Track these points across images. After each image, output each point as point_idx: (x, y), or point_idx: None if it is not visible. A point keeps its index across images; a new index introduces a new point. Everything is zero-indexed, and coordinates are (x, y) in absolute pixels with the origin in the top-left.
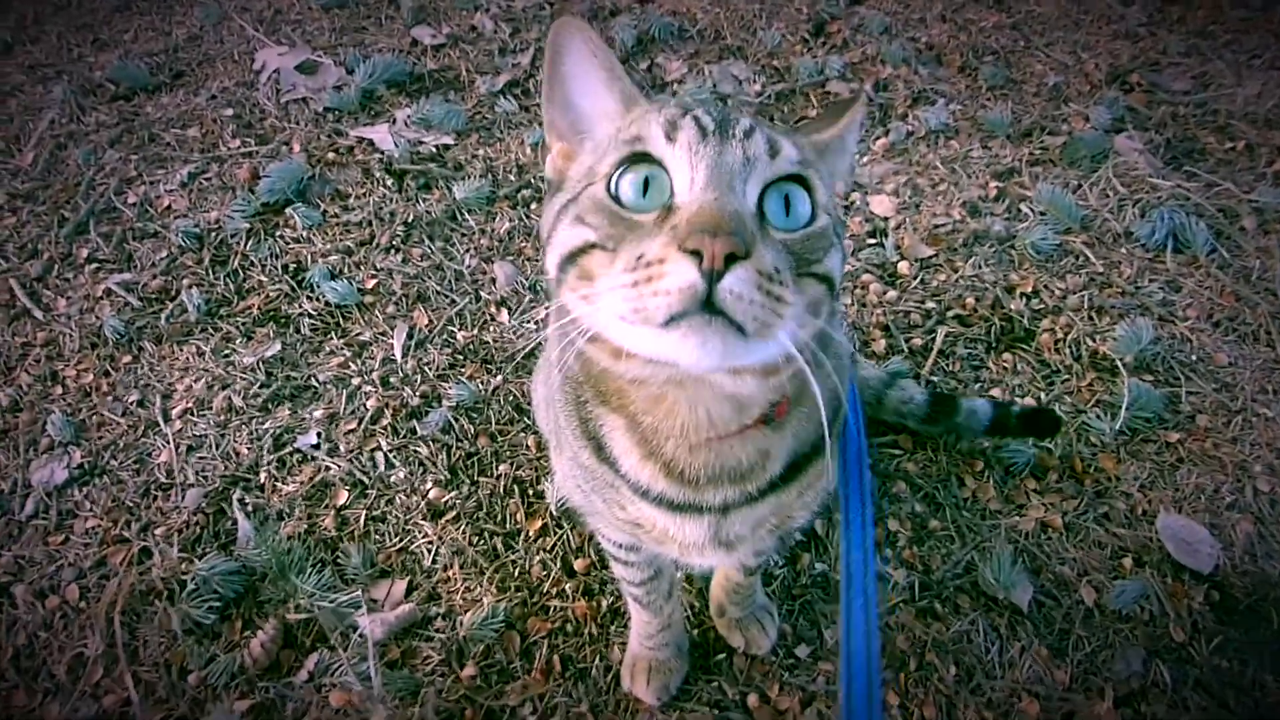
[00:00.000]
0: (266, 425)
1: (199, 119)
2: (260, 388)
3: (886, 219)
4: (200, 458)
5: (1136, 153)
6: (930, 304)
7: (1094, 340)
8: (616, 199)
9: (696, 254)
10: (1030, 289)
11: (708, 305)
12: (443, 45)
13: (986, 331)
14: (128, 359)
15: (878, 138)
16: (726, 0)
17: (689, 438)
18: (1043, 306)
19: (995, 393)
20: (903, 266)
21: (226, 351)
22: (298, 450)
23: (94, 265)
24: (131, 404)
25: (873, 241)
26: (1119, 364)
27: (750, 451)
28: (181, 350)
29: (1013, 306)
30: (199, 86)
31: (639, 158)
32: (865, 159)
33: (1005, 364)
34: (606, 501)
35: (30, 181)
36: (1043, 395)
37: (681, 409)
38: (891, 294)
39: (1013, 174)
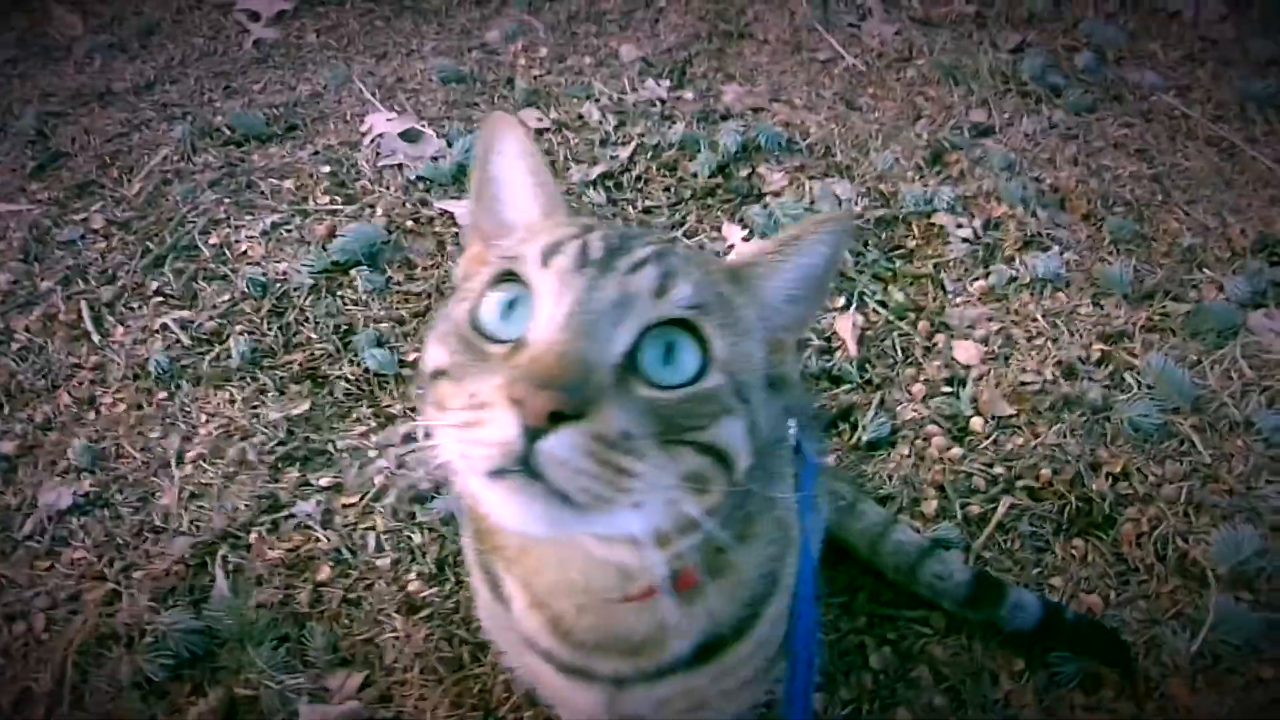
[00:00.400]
0: (272, 485)
1: (297, 172)
2: (277, 445)
3: (969, 368)
4: (199, 506)
5: (1274, 334)
6: (999, 469)
7: (1185, 541)
8: (476, 322)
9: (522, 404)
10: (1119, 470)
11: (528, 466)
12: (546, 130)
13: (1059, 510)
14: (163, 395)
15: (976, 279)
16: (845, 118)
17: (573, 596)
18: (1131, 492)
19: (1057, 581)
20: (975, 422)
21: (257, 403)
22: (293, 516)
23: (159, 299)
24: (153, 440)
25: (947, 390)
26: (1210, 574)
27: (645, 623)
28: (215, 395)
29: (1095, 487)
30: (306, 141)
31: (507, 277)
32: (959, 300)
33: (1075, 550)
34: (506, 643)
35: (130, 212)
36: (1113, 594)
37: (550, 568)
38: (956, 451)
39: (1123, 338)
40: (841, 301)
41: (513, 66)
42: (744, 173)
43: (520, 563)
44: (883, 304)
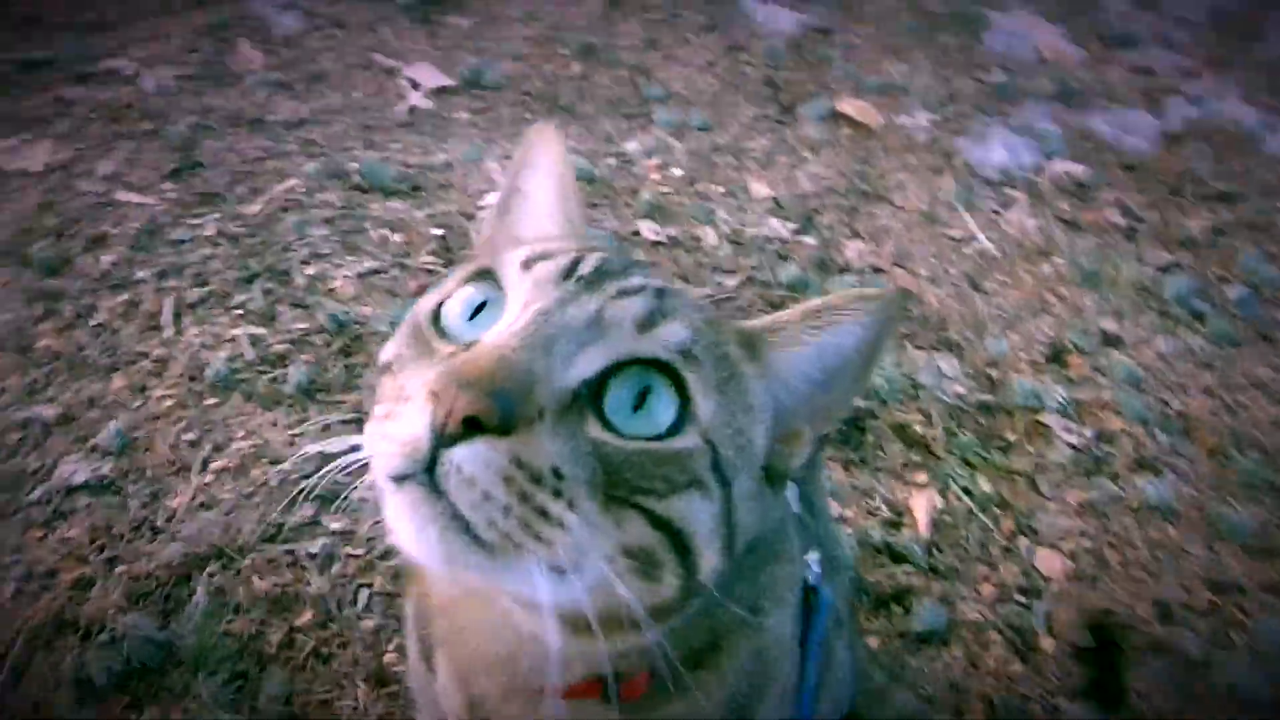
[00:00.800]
0: (283, 516)
1: (408, 228)
2: (302, 478)
3: (1049, 581)
4: (206, 517)
5: None
6: (1061, 701)
7: None
8: (437, 317)
9: (438, 400)
10: None
11: (432, 478)
12: (662, 243)
13: None
14: (211, 402)
15: (1076, 489)
16: (966, 297)
17: (495, 676)
18: None
19: None
20: (1046, 643)
21: (298, 431)
22: (293, 552)
23: (240, 311)
24: (185, 442)
25: (1020, 600)
26: None
27: None
28: (260, 415)
29: None
30: (425, 203)
31: (483, 275)
32: (1053, 506)
33: None
34: (424, 708)
35: (242, 228)
36: None
37: (475, 632)
38: (1017, 668)
39: (1235, 591)
40: (923, 478)
41: (643, 179)
42: None
43: (447, 617)
44: (967, 491)
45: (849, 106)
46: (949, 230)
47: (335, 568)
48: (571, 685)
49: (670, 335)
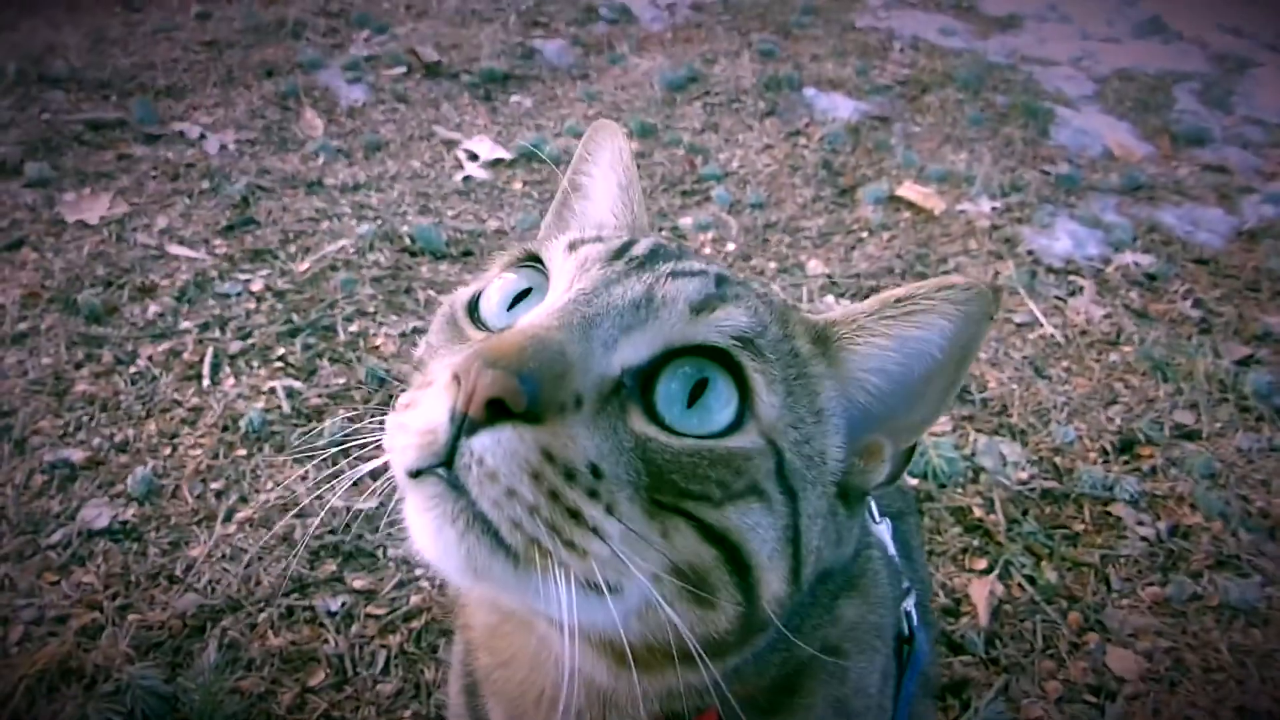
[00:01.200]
0: (304, 570)
1: (454, 289)
2: (328, 533)
3: (1123, 682)
4: (224, 569)
5: None
6: None
7: None
8: (473, 306)
9: (460, 382)
10: None
11: (451, 472)
12: None
13: None
14: (242, 453)
15: (1150, 585)
16: (1029, 382)
17: (544, 711)
18: None
19: None
20: None
21: (328, 486)
22: (311, 609)
23: (279, 364)
24: (211, 492)
25: (1090, 699)
26: None
27: None
28: (291, 468)
29: None
30: (476, 267)
31: (529, 261)
32: (1124, 602)
33: None
34: None
35: (290, 285)
36: None
37: (518, 666)
38: None
39: None
40: (982, 564)
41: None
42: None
43: (489, 650)
44: (1031, 580)
45: (909, 191)
46: (1012, 315)
47: (354, 627)
48: None
49: (729, 321)
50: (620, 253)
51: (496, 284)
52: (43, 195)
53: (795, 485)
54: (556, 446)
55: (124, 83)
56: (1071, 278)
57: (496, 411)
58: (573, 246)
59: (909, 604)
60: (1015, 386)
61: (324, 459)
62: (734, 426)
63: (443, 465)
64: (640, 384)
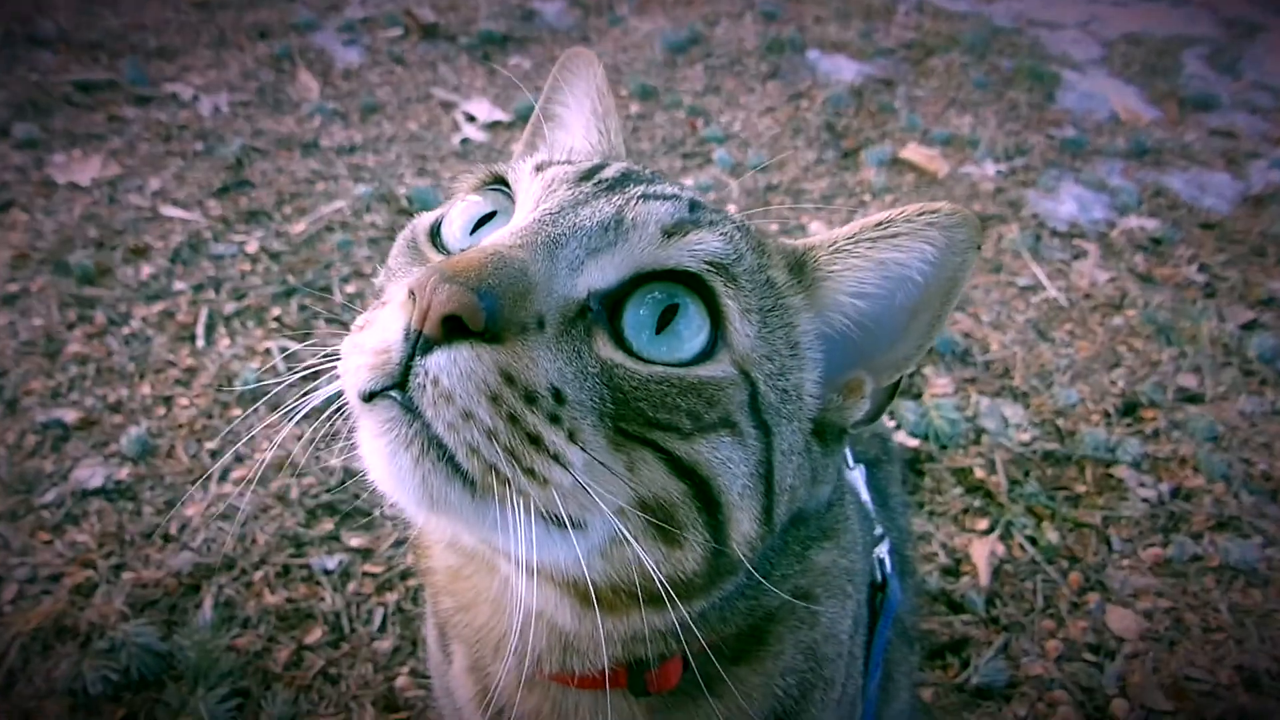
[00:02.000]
0: (300, 529)
1: None
2: (325, 492)
3: (1122, 641)
4: (220, 527)
5: None
6: None
7: None
8: (435, 229)
9: (416, 297)
10: None
11: (404, 392)
12: None
13: None
14: (237, 412)
15: (1151, 546)
16: (1032, 345)
17: (504, 656)
18: None
19: None
20: (1118, 705)
21: (323, 446)
22: (308, 567)
23: (275, 326)
24: (205, 451)
25: (1090, 658)
26: None
27: None
28: (285, 426)
29: None
30: None
31: (494, 184)
32: (1125, 562)
33: None
34: (442, 703)
35: (285, 246)
36: None
37: (479, 609)
38: None
39: None
40: (983, 525)
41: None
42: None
43: (451, 592)
44: (1032, 540)
45: (913, 154)
46: (1015, 278)
47: (351, 585)
48: (591, 672)
49: (702, 245)
50: (589, 175)
51: (459, 206)
52: (32, 157)
53: (769, 419)
54: (517, 367)
55: (114, 43)
56: (1076, 241)
57: (453, 329)
58: (540, 168)
59: (882, 550)
60: (1018, 349)
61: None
62: (705, 355)
63: (397, 387)
64: (608, 309)
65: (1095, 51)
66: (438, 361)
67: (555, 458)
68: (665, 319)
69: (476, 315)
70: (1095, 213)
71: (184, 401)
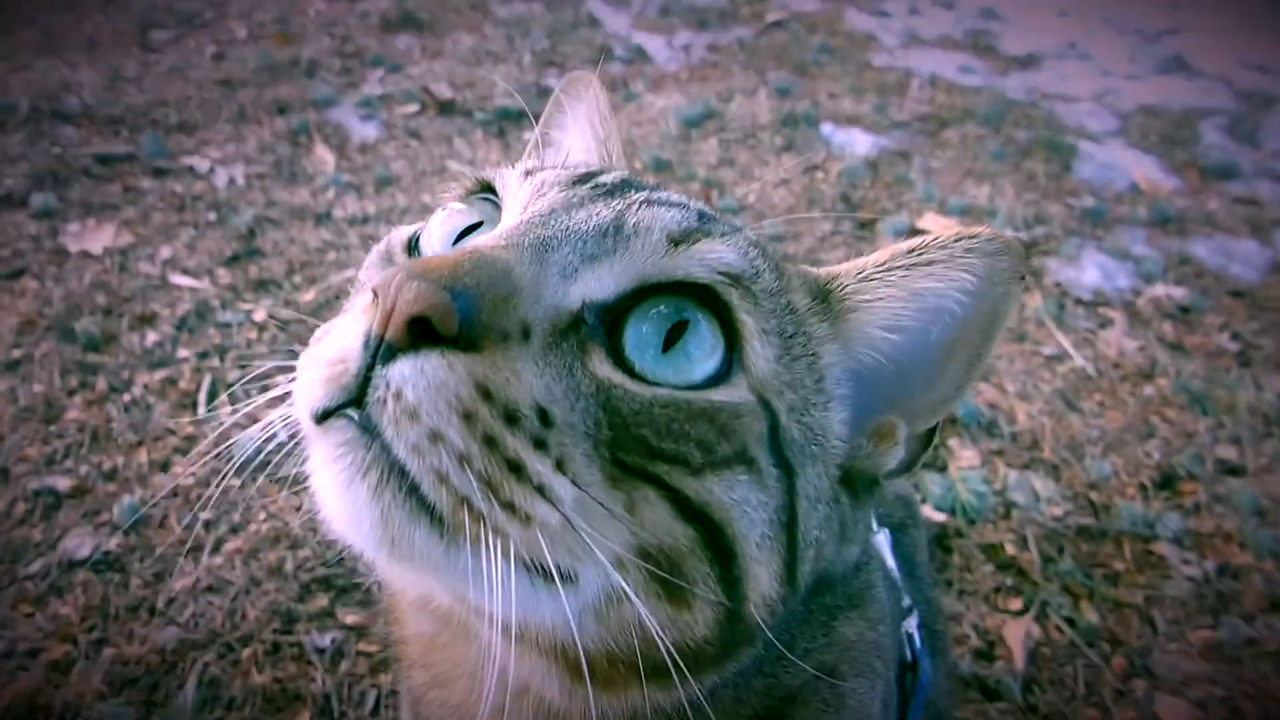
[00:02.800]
0: (294, 604)
1: None
2: (320, 565)
3: None
4: (209, 602)
5: None
6: None
7: None
8: (413, 241)
9: (379, 299)
10: None
11: (361, 410)
12: None
13: None
14: (236, 482)
15: (1200, 629)
16: (1061, 416)
17: None
18: None
19: None
20: None
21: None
22: (299, 645)
23: (281, 394)
24: (200, 521)
25: None
26: None
27: None
28: (287, 498)
29: None
30: None
31: (481, 193)
32: (1173, 646)
33: None
34: None
35: (294, 314)
36: None
37: (457, 685)
38: None
39: None
40: (1017, 604)
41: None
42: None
43: (425, 665)
44: (1070, 621)
45: (930, 223)
46: (1039, 347)
47: (344, 665)
48: None
49: (714, 254)
50: (585, 179)
51: (440, 215)
52: (47, 226)
53: (792, 458)
54: (496, 381)
55: (136, 119)
56: (1101, 310)
57: (421, 334)
58: (530, 173)
59: (911, 625)
60: (1046, 420)
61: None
62: (718, 379)
63: (354, 404)
64: (606, 326)
65: (1111, 123)
66: (401, 371)
67: (540, 490)
68: (672, 338)
69: (448, 317)
70: (1120, 281)
71: (180, 470)
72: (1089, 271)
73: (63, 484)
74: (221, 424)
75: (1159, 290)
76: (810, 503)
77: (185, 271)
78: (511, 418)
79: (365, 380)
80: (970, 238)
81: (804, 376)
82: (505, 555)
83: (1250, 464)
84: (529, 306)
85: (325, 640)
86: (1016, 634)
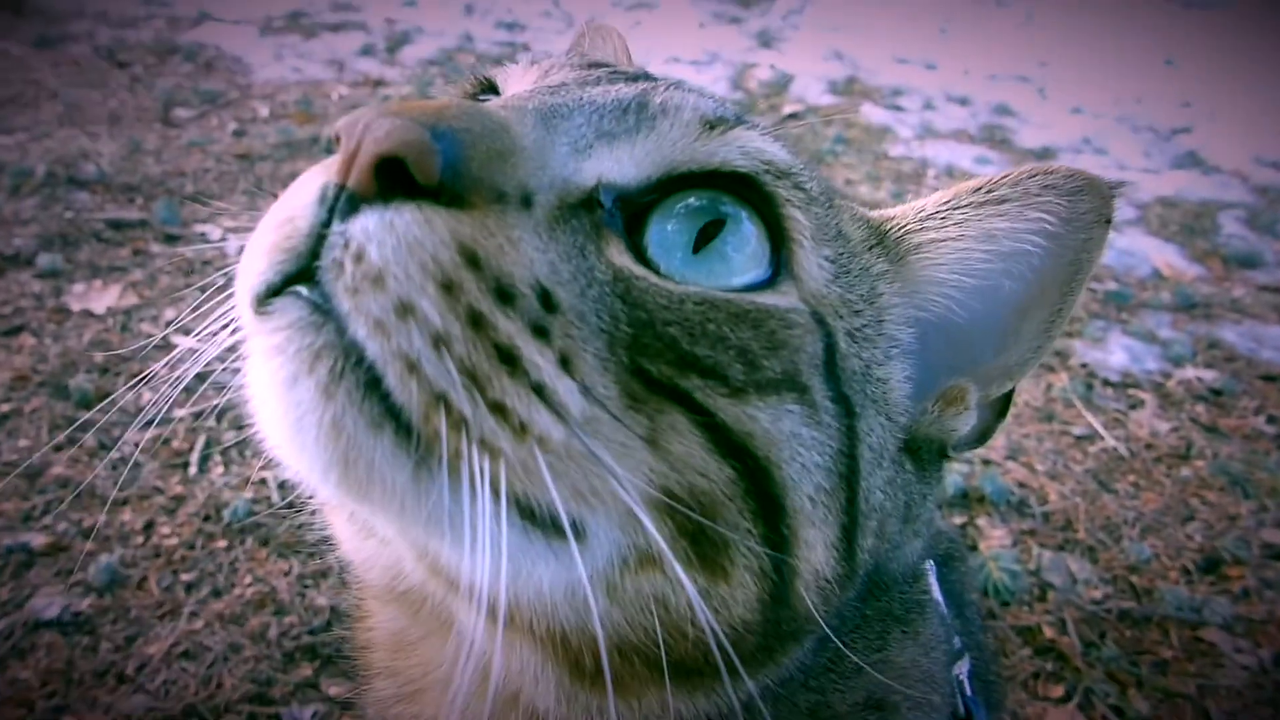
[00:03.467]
0: (275, 673)
1: None
2: (306, 633)
3: None
4: (184, 669)
5: None
6: None
7: None
8: None
9: (341, 142)
10: None
11: (315, 284)
12: None
13: None
14: (223, 543)
15: (1259, 719)
16: (1094, 497)
17: None
18: None
19: None
20: None
21: (310, 583)
22: (276, 717)
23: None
24: (182, 583)
25: None
26: None
27: None
28: (274, 562)
29: None
30: None
31: (481, 91)
32: None
33: None
34: None
35: None
36: None
37: (431, 691)
38: None
39: None
40: (1059, 692)
41: None
42: (959, 520)
43: (391, 672)
44: (1118, 711)
45: None
46: (1069, 428)
47: None
48: None
49: (754, 144)
50: (599, 65)
51: None
52: (51, 285)
53: (852, 394)
54: (487, 247)
55: (151, 187)
56: (1131, 391)
57: (394, 181)
58: (535, 61)
59: (962, 670)
60: (1079, 500)
61: (313, 557)
62: (769, 280)
63: (304, 278)
64: (626, 218)
65: (1130, 213)
66: (365, 226)
67: (539, 392)
68: (705, 240)
69: (428, 158)
70: (1148, 364)
71: (166, 530)
72: (1116, 354)
73: (37, 541)
74: (212, 484)
75: (1189, 373)
76: (875, 455)
77: (188, 332)
78: (504, 294)
79: (319, 241)
80: (1047, 173)
81: (863, 307)
82: (494, 488)
83: None
84: (531, 171)
85: (306, 714)
86: None
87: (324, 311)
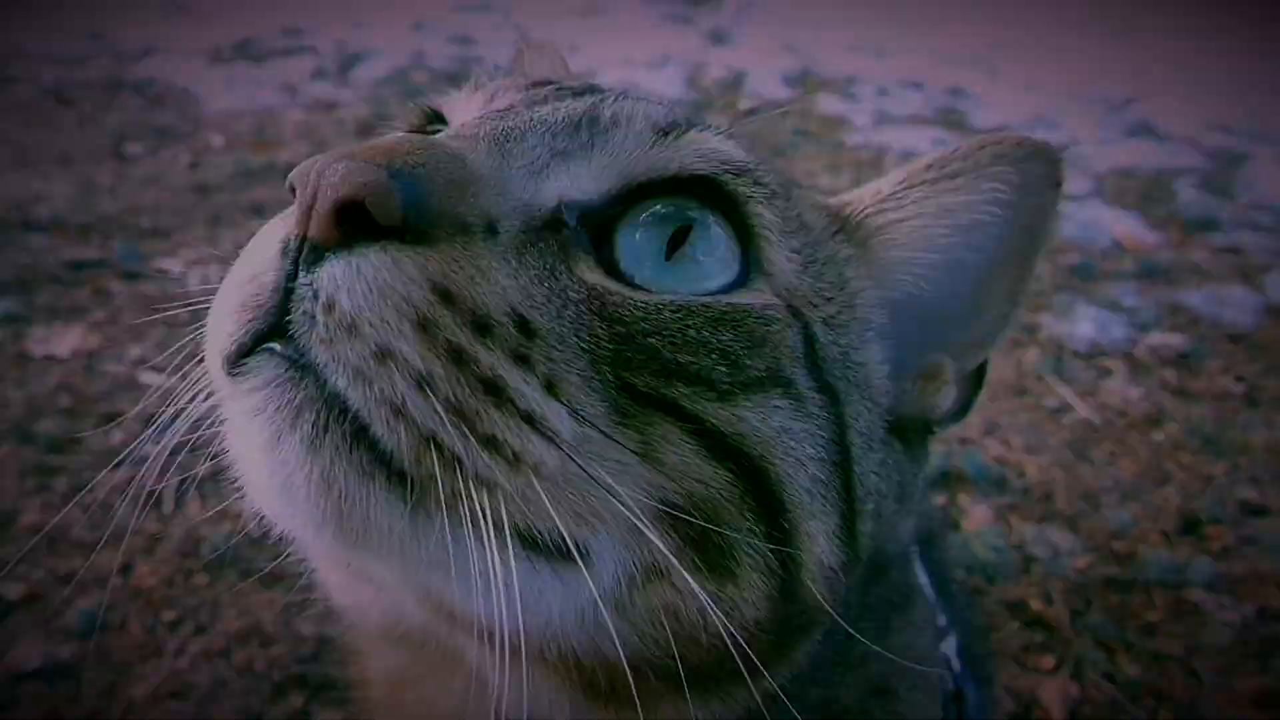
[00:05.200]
0: (266, 706)
1: None
2: (295, 663)
3: None
4: (172, 709)
5: None
6: None
7: None
8: None
9: (298, 191)
10: None
11: (287, 340)
12: None
13: None
14: (203, 580)
15: (1250, 677)
16: (1072, 468)
17: None
18: None
19: None
20: None
21: (296, 611)
22: None
23: None
24: (165, 622)
25: None
26: None
27: None
28: (258, 594)
29: None
30: None
31: (428, 123)
32: (1222, 696)
33: None
34: None
35: None
36: None
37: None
38: None
39: None
40: (1050, 662)
41: None
42: (939, 499)
43: (390, 714)
44: (1109, 677)
45: None
46: (1042, 401)
47: None
48: None
49: (709, 145)
50: (544, 83)
51: None
52: (10, 331)
53: (834, 381)
54: (457, 280)
55: (108, 226)
56: (1100, 361)
57: (356, 227)
58: (478, 86)
59: (949, 648)
60: (1057, 472)
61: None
62: (740, 280)
63: (276, 334)
64: (592, 233)
65: (1087, 185)
66: (331, 274)
67: (528, 420)
68: (675, 247)
69: (387, 199)
70: (1115, 332)
71: (144, 570)
72: (1083, 325)
73: (14, 592)
74: (189, 520)
75: (1156, 339)
76: (865, 439)
77: (155, 369)
78: (482, 326)
79: (287, 295)
80: (996, 144)
81: (834, 294)
82: (495, 522)
83: (1273, 503)
84: (491, 199)
85: None
86: (1054, 694)
87: (301, 366)
